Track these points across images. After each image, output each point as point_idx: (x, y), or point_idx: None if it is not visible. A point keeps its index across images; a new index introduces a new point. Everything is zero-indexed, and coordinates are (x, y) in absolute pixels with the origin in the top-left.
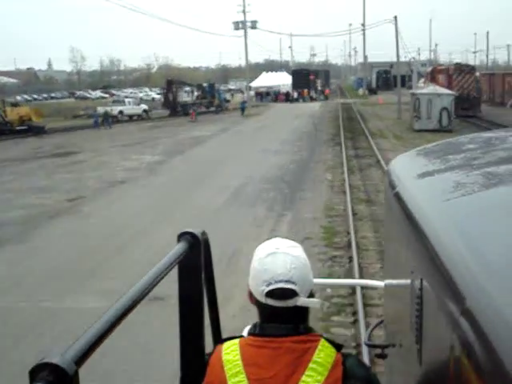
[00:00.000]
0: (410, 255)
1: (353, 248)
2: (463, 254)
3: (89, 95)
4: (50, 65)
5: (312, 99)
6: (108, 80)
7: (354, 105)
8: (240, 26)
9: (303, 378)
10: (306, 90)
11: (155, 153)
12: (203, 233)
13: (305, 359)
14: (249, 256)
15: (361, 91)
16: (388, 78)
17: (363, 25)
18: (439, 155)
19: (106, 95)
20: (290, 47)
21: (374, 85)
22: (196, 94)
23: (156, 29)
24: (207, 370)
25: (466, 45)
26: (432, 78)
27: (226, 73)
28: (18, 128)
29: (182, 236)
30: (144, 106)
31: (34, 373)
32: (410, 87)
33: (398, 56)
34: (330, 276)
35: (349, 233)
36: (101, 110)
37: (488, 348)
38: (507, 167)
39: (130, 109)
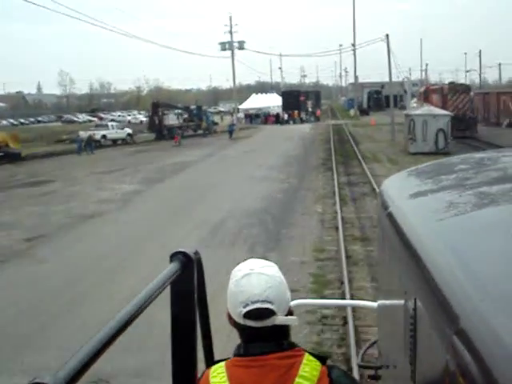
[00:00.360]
0: (403, 275)
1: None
2: (456, 273)
3: (76, 119)
4: (39, 88)
5: (302, 121)
6: (98, 103)
7: (345, 126)
8: (227, 46)
9: None
10: (296, 112)
11: (134, 181)
12: (196, 252)
13: (291, 375)
14: (223, 316)
15: (352, 112)
16: (379, 99)
17: (353, 45)
18: (431, 175)
19: (94, 118)
20: (279, 68)
21: (365, 105)
22: (184, 116)
23: (145, 52)
24: None
25: (456, 64)
26: (425, 97)
27: (216, 95)
28: None
29: (174, 256)
30: (128, 130)
31: None
32: (403, 107)
33: (390, 75)
34: (319, 346)
35: (342, 282)
36: (83, 134)
37: (482, 368)
38: (499, 187)
39: (113, 133)
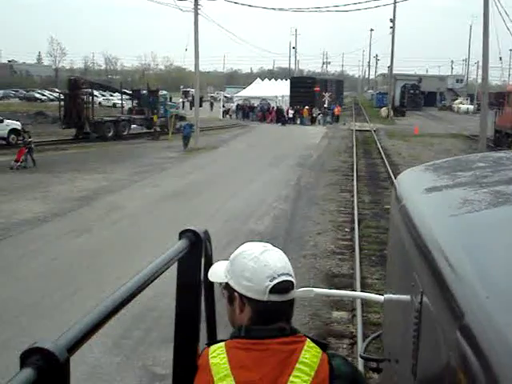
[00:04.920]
0: (411, 269)
1: None
2: (465, 269)
3: (41, 96)
4: (39, 59)
5: (314, 121)
6: (94, 79)
7: (376, 134)
8: None
9: (291, 378)
10: (306, 108)
11: None
12: (205, 231)
13: (292, 360)
14: None
15: (384, 111)
16: (416, 95)
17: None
18: (448, 171)
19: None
20: (293, 48)
21: (397, 102)
22: (134, 105)
23: (155, 27)
24: (197, 373)
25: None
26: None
27: (232, 79)
28: None
29: (183, 233)
30: (14, 124)
31: (25, 357)
32: (445, 107)
33: (485, 46)
34: None
35: None
36: None
37: (484, 365)
38: None
39: None
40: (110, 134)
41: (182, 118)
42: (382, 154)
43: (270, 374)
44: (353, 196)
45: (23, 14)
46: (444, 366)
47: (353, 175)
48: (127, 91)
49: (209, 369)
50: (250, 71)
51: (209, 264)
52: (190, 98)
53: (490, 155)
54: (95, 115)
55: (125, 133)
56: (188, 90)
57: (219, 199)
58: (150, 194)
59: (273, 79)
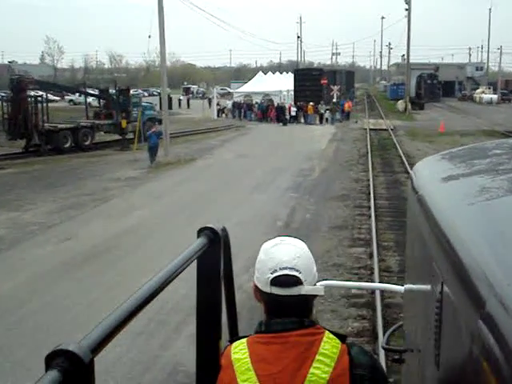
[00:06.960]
0: (431, 259)
1: None
2: (485, 258)
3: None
4: (42, 59)
5: (321, 118)
6: (96, 78)
7: (394, 135)
8: None
9: (311, 370)
10: (310, 105)
11: None
12: (223, 229)
13: (311, 352)
14: None
15: (401, 105)
16: (433, 85)
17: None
18: (464, 159)
19: (57, 98)
20: (298, 37)
21: (412, 94)
22: (100, 107)
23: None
24: (221, 369)
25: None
26: None
27: (238, 73)
28: None
29: (201, 231)
30: None
31: (50, 359)
32: (465, 97)
33: None
34: None
35: None
36: None
37: (507, 353)
38: None
39: None
40: (66, 145)
41: (158, 121)
42: (407, 165)
43: (290, 366)
44: (371, 256)
45: (26, 14)
46: (466, 355)
47: (369, 207)
48: (91, 92)
49: (231, 364)
50: (257, 65)
51: (228, 260)
52: (191, 95)
53: (506, 142)
54: (50, 122)
55: (87, 142)
56: (189, 86)
57: (155, 264)
58: (51, 257)
59: (277, 72)
